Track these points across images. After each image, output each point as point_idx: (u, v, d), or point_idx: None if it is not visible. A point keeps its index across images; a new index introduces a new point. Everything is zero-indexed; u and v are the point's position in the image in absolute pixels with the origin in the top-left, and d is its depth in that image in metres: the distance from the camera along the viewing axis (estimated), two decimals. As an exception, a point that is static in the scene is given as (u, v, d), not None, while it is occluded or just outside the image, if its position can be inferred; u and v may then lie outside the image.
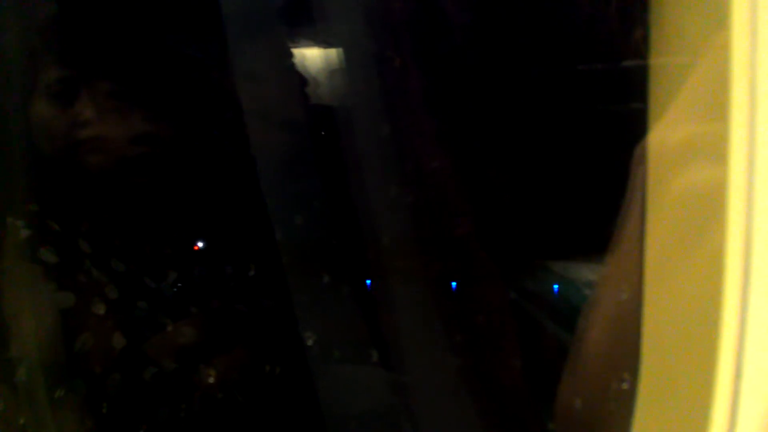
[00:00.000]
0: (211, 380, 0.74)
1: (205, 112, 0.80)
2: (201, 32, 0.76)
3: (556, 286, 0.69)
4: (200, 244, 0.81)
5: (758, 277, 0.30)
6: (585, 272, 0.63)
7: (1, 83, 0.75)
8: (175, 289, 0.77)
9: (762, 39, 0.29)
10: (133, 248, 0.78)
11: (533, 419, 0.62)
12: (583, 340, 0.49)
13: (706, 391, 0.31)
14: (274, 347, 0.78)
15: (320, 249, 0.69)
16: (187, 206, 0.82)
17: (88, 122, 0.74)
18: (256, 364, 0.77)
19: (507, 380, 0.64)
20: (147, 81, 0.77)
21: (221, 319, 0.79)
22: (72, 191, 0.78)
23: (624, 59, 0.54)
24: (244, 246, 0.81)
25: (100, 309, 0.73)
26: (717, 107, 0.30)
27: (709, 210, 0.32)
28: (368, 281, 0.68)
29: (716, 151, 0.30)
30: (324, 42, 0.72)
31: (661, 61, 0.37)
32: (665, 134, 0.36)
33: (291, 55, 0.73)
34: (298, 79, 0.74)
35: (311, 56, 0.74)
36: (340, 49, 0.67)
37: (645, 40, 0.37)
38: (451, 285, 0.65)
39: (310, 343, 0.67)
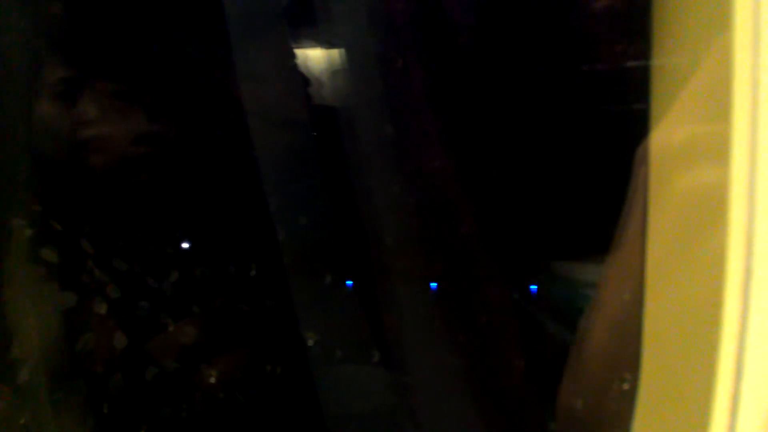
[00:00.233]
0: (213, 380, 0.74)
1: (208, 113, 0.80)
2: (204, 32, 0.76)
3: (557, 287, 0.69)
4: (202, 244, 0.81)
5: (759, 277, 0.30)
6: (587, 273, 0.63)
7: (3, 83, 0.75)
8: (176, 289, 0.77)
9: (764, 41, 0.29)
10: (135, 248, 0.78)
11: (535, 419, 0.62)
12: (584, 341, 0.49)
13: (707, 391, 0.31)
14: (275, 347, 0.78)
15: (322, 249, 0.69)
16: (190, 206, 0.82)
17: (91, 122, 0.75)
18: (257, 364, 0.77)
19: (508, 381, 0.64)
20: (150, 81, 0.77)
21: (223, 319, 0.79)
22: (74, 191, 0.78)
23: (627, 60, 0.54)
24: (246, 246, 0.81)
25: (102, 309, 0.73)
26: (719, 108, 0.30)
27: (710, 210, 0.32)
28: (370, 281, 0.69)
29: (718, 151, 0.30)
30: (327, 42, 0.72)
31: (664, 63, 0.37)
32: (667, 135, 0.36)
33: (294, 55, 0.73)
34: (300, 79, 0.74)
35: (314, 57, 0.74)
36: (343, 50, 0.67)
37: (648, 41, 0.37)
38: (452, 285, 0.65)
39: (311, 343, 0.67)
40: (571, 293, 0.66)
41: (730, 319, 0.30)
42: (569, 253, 0.67)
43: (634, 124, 0.39)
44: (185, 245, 0.81)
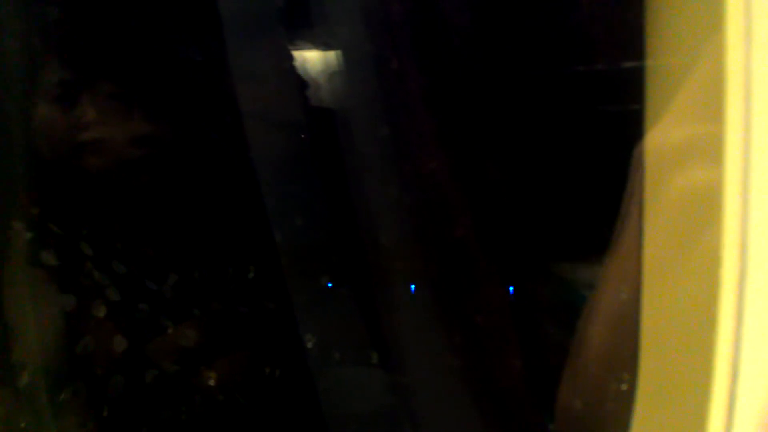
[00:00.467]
0: (212, 382, 0.75)
1: (205, 115, 0.80)
2: (201, 34, 0.76)
3: (555, 287, 0.69)
4: (200, 246, 0.81)
5: (754, 277, 0.30)
6: (584, 273, 0.63)
7: (2, 86, 0.75)
8: (175, 292, 0.77)
9: (756, 42, 0.29)
10: (134, 250, 0.78)
11: (533, 420, 0.62)
12: (582, 341, 0.49)
13: (704, 392, 0.31)
14: (274, 349, 0.78)
15: (320, 251, 0.69)
16: (188, 208, 0.82)
17: (90, 125, 0.75)
18: (256, 366, 0.77)
19: (507, 381, 0.65)
20: (147, 83, 0.77)
21: (222, 322, 0.79)
22: (73, 194, 0.78)
23: (621, 62, 0.54)
24: (245, 248, 0.81)
25: (102, 311, 0.73)
26: (713, 109, 0.30)
27: (705, 211, 0.32)
28: (367, 283, 0.69)
29: (712, 152, 0.30)
30: (323, 44, 0.72)
31: (657, 64, 0.37)
32: (662, 136, 0.36)
33: (291, 57, 0.73)
34: (297, 81, 0.74)
35: (311, 58, 0.74)
36: (340, 52, 0.67)
37: (641, 42, 0.37)
38: (450, 286, 0.66)
39: (310, 344, 0.67)
40: (568, 293, 0.66)
41: (726, 319, 0.30)
42: (566, 254, 0.68)
43: (629, 125, 0.39)
44: (184, 247, 0.81)
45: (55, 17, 0.76)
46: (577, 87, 0.61)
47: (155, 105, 0.77)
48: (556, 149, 0.64)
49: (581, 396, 0.48)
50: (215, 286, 0.79)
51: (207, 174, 0.81)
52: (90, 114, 0.75)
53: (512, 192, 0.67)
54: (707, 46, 0.31)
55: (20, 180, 0.74)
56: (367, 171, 0.64)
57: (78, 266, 0.74)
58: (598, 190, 0.55)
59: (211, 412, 0.74)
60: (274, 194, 0.67)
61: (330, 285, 0.68)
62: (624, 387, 0.42)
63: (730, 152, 0.30)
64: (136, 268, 0.77)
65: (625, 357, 0.40)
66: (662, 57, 0.36)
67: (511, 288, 0.65)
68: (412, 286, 0.64)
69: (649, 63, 0.37)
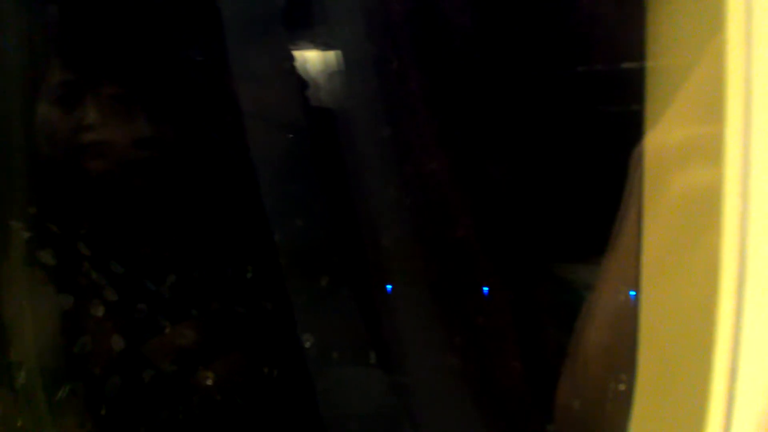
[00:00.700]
0: (210, 382, 0.74)
1: (206, 115, 0.80)
2: (201, 35, 0.76)
3: (554, 287, 0.69)
4: (199, 246, 0.81)
5: (754, 278, 0.30)
6: (583, 273, 0.64)
7: (2, 86, 0.75)
8: (174, 292, 0.77)
9: (757, 42, 0.29)
10: (132, 251, 0.78)
11: (532, 420, 0.62)
12: (581, 342, 0.49)
13: (703, 392, 0.31)
14: (272, 349, 0.78)
15: (319, 251, 0.69)
16: (187, 208, 0.82)
17: (91, 126, 0.75)
18: (254, 366, 0.77)
19: (506, 381, 0.65)
20: (147, 84, 0.77)
21: (220, 322, 0.79)
22: (71, 194, 0.78)
23: (622, 62, 0.54)
24: (244, 248, 0.81)
25: (100, 311, 0.73)
26: (713, 110, 0.30)
27: (705, 212, 0.32)
28: (367, 283, 0.69)
29: (712, 153, 0.31)
30: (323, 44, 0.72)
31: (658, 65, 0.37)
32: (662, 137, 0.36)
33: (291, 57, 0.73)
34: (298, 81, 0.74)
35: (311, 59, 0.74)
36: (340, 51, 0.67)
37: (642, 43, 0.37)
38: (450, 286, 0.66)
39: (308, 345, 0.67)
40: (567, 294, 0.66)
41: (725, 319, 0.31)
42: (566, 254, 0.68)
43: (629, 125, 0.39)
44: (183, 248, 0.81)
45: (56, 17, 0.77)
46: (577, 87, 0.61)
47: (155, 105, 0.77)
48: (556, 150, 0.64)
49: (580, 396, 0.49)
50: (213, 286, 0.79)
51: (206, 174, 0.81)
52: (90, 115, 0.75)
53: (512, 192, 0.67)
54: (708, 47, 0.31)
55: (19, 179, 0.74)
56: (367, 171, 0.64)
57: (76, 266, 0.74)
58: (598, 190, 0.55)
59: (209, 412, 0.74)
60: (273, 194, 0.67)
61: (329, 285, 0.68)
62: (622, 387, 0.43)
63: (730, 153, 0.30)
64: (134, 268, 0.77)
65: (623, 357, 0.40)
66: (663, 57, 0.37)
67: (486, 289, 0.65)
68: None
69: (650, 63, 0.37)
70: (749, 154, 0.29)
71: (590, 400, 0.47)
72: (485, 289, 0.65)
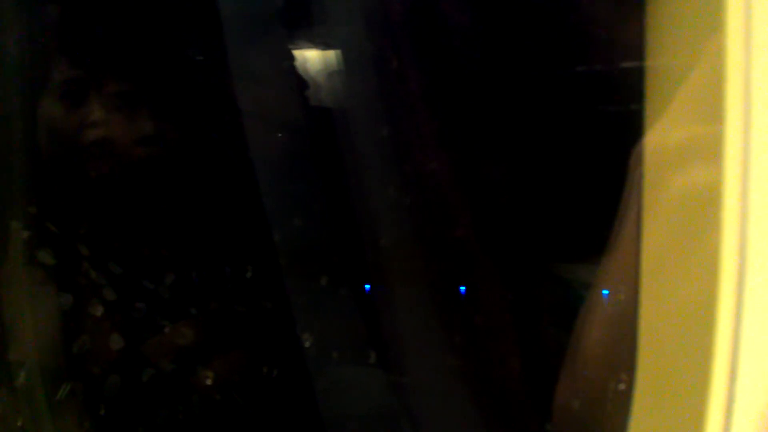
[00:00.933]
0: (209, 382, 0.74)
1: (205, 114, 0.80)
2: (200, 33, 0.76)
3: (554, 287, 0.69)
4: (198, 246, 0.81)
5: (753, 278, 0.30)
6: (583, 273, 0.63)
7: (3, 84, 0.74)
8: (173, 291, 0.77)
9: (756, 42, 0.29)
10: (131, 250, 0.78)
11: (531, 420, 0.62)
12: (580, 341, 0.49)
13: (702, 392, 0.31)
14: (272, 349, 0.78)
15: (319, 250, 0.69)
16: (186, 208, 0.82)
17: (95, 123, 0.74)
18: (254, 366, 0.77)
19: (505, 381, 0.65)
20: (148, 83, 0.77)
21: (219, 321, 0.79)
22: (70, 193, 0.78)
23: (621, 62, 0.54)
24: (243, 248, 0.80)
25: (99, 311, 0.73)
26: (712, 109, 0.30)
27: (704, 211, 0.32)
28: (367, 282, 0.69)
29: (712, 152, 0.31)
30: (323, 43, 0.72)
31: (657, 64, 0.37)
32: (661, 136, 0.36)
33: (291, 56, 0.73)
34: (297, 81, 0.74)
35: (310, 58, 0.74)
36: (340, 51, 0.67)
37: (641, 42, 0.37)
38: (450, 286, 0.66)
39: (307, 344, 0.67)
40: (567, 293, 0.66)
41: (724, 319, 0.31)
42: (565, 254, 0.68)
43: (629, 125, 0.39)
44: (181, 247, 0.81)
45: (57, 15, 0.76)
46: (576, 87, 0.61)
47: (157, 104, 0.77)
48: (555, 149, 0.64)
49: (579, 396, 0.49)
50: (213, 286, 0.79)
51: (205, 173, 0.81)
52: (94, 112, 0.75)
53: (512, 192, 0.67)
54: (707, 47, 0.31)
55: (18, 179, 0.74)
56: (366, 171, 0.64)
57: (75, 265, 0.74)
58: (598, 190, 0.55)
59: (208, 411, 0.74)
60: (273, 194, 0.67)
61: (328, 285, 0.68)
62: (622, 387, 0.43)
63: (729, 152, 0.30)
64: (133, 267, 0.77)
65: (623, 357, 0.40)
66: (662, 57, 0.36)
67: (462, 288, 0.65)
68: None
69: (649, 63, 0.37)
70: (749, 154, 0.29)
71: (590, 400, 0.47)
72: (485, 288, 0.65)
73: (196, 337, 0.75)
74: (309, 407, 0.67)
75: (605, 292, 0.47)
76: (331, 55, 0.70)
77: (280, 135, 0.71)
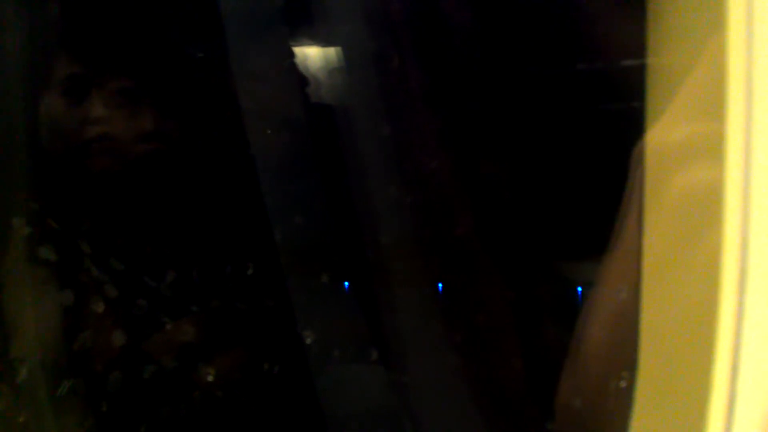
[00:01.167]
0: (211, 379, 0.74)
1: (206, 112, 0.80)
2: (201, 31, 0.76)
3: (555, 286, 0.69)
4: (199, 243, 0.81)
5: (755, 276, 0.30)
6: (584, 272, 0.63)
7: (5, 81, 0.74)
8: (174, 288, 0.77)
9: (758, 40, 0.29)
10: (132, 247, 0.78)
11: (533, 418, 0.62)
12: (582, 340, 0.49)
13: (704, 390, 0.31)
14: (273, 346, 0.78)
15: (320, 248, 0.69)
16: (187, 205, 0.82)
17: (97, 120, 0.74)
18: (255, 363, 0.77)
19: (507, 380, 0.65)
20: (153, 80, 0.77)
21: (221, 318, 0.79)
22: (72, 190, 0.78)
23: (622, 60, 0.54)
24: (244, 245, 0.81)
25: (100, 307, 0.73)
26: (714, 107, 0.30)
27: (706, 210, 0.32)
28: (367, 280, 0.69)
29: (713, 151, 0.30)
30: (324, 42, 0.72)
31: (659, 62, 0.37)
32: (663, 135, 0.36)
33: (292, 54, 0.73)
34: (298, 78, 0.74)
35: (312, 55, 0.74)
36: (341, 49, 0.67)
37: (643, 40, 0.37)
38: (450, 284, 0.66)
39: (309, 341, 0.67)
40: (568, 292, 0.66)
41: (726, 318, 0.30)
42: (566, 253, 0.67)
43: (630, 123, 0.39)
44: (183, 244, 0.81)
45: (60, 12, 0.77)
46: (578, 85, 0.61)
47: (160, 101, 0.77)
48: (557, 148, 0.64)
49: (581, 394, 0.48)
50: (214, 283, 0.79)
51: (207, 171, 0.81)
52: (96, 109, 0.75)
53: (513, 191, 0.67)
54: (708, 45, 0.31)
55: (20, 175, 0.74)
56: (368, 169, 0.64)
57: (77, 262, 0.74)
58: (599, 188, 0.55)
59: (210, 408, 0.74)
60: (274, 192, 0.67)
61: (329, 283, 0.68)
62: (623, 385, 0.42)
63: (731, 151, 0.30)
64: (135, 264, 0.77)
65: (624, 355, 0.40)
66: (663, 55, 0.36)
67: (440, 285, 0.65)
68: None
69: (651, 61, 0.37)
70: (750, 152, 0.29)
71: (591, 399, 0.47)
72: (486, 287, 0.65)
73: (198, 335, 0.75)
74: (310, 404, 0.67)
75: (607, 290, 0.47)
76: (333, 53, 0.70)
77: (281, 133, 0.71)
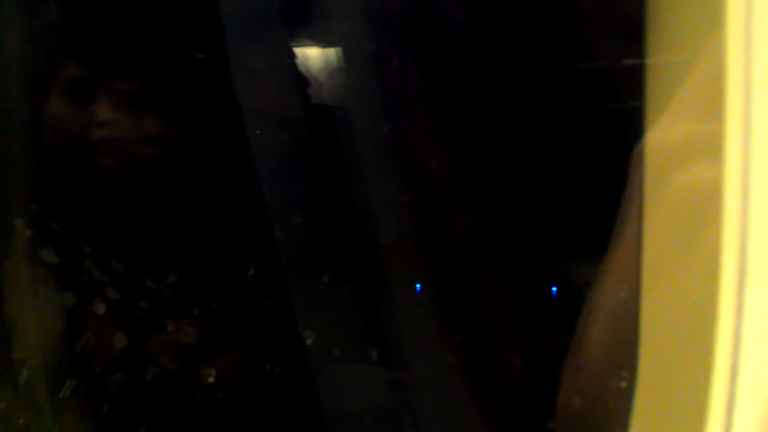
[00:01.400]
0: (212, 380, 0.75)
1: (206, 112, 0.80)
2: (201, 31, 0.76)
3: (555, 285, 0.69)
4: (199, 245, 0.81)
5: (754, 275, 0.30)
6: (584, 271, 0.63)
7: (7, 81, 0.75)
8: (175, 290, 0.77)
9: (757, 38, 0.29)
10: (133, 249, 0.78)
11: (533, 418, 0.62)
12: (582, 339, 0.49)
13: (704, 389, 0.31)
14: (274, 347, 0.78)
15: (320, 248, 0.69)
16: (188, 206, 0.82)
17: (103, 122, 0.75)
18: (256, 364, 0.77)
19: (506, 379, 0.65)
20: (155, 82, 0.77)
21: (221, 319, 0.79)
22: (73, 191, 0.78)
23: (621, 59, 0.54)
24: (244, 246, 0.81)
25: (101, 309, 0.73)
26: (713, 106, 0.30)
27: (705, 209, 0.32)
28: (367, 280, 0.69)
29: (712, 149, 0.30)
30: (324, 41, 0.72)
31: (658, 61, 0.37)
32: (662, 134, 0.36)
33: (292, 54, 0.73)
34: (298, 78, 0.74)
35: (311, 55, 0.74)
36: (340, 49, 0.67)
37: (642, 40, 0.37)
38: (450, 284, 0.66)
39: (309, 342, 0.67)
40: (568, 291, 0.66)
41: (726, 317, 0.30)
42: (566, 251, 0.68)
43: (630, 122, 0.39)
44: (183, 246, 0.81)
45: (62, 13, 0.77)
46: (577, 85, 0.61)
47: (159, 103, 0.77)
48: (556, 147, 0.64)
49: (581, 394, 0.48)
50: (215, 284, 0.79)
51: (207, 171, 0.81)
52: (102, 111, 0.75)
53: (512, 190, 0.67)
54: (708, 44, 0.31)
55: (21, 177, 0.74)
56: (367, 168, 0.64)
57: (78, 264, 0.74)
58: (599, 188, 0.55)
59: (211, 409, 0.75)
60: (274, 192, 0.67)
61: (330, 282, 0.68)
62: (624, 385, 0.42)
63: (730, 150, 0.30)
64: (136, 266, 0.77)
65: (624, 355, 0.40)
66: (663, 54, 0.36)
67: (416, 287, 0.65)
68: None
69: (650, 60, 0.37)
70: (749, 151, 0.29)
71: (591, 399, 0.47)
72: (486, 286, 0.65)
73: (199, 336, 0.75)
74: (311, 405, 0.68)
75: (607, 290, 0.47)
76: (332, 52, 0.70)
77: (280, 133, 0.71)
